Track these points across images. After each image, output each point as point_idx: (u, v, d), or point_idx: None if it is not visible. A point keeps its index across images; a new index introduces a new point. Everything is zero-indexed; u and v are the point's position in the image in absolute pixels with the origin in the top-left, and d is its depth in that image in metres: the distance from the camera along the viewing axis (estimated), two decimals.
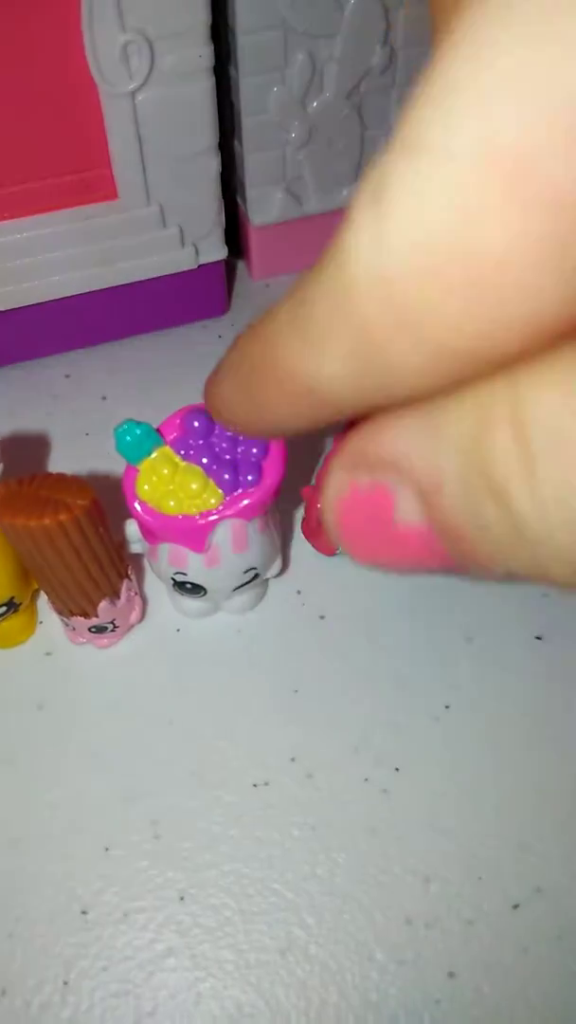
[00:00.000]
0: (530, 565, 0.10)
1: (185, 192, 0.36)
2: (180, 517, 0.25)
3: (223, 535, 0.26)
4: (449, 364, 0.09)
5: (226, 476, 0.25)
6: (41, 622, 0.32)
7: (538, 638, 0.32)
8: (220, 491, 0.25)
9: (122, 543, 0.29)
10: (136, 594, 0.31)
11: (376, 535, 0.12)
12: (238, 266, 0.45)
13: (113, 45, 0.31)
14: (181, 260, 0.37)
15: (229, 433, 0.26)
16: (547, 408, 0.09)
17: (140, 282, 0.38)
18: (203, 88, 0.33)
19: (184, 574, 0.27)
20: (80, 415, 0.38)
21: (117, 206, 0.35)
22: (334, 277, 0.10)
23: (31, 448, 0.37)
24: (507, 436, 0.09)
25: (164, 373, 0.40)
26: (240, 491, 0.25)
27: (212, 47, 0.32)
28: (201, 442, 0.26)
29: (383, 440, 0.12)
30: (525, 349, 0.09)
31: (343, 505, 0.13)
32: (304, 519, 0.33)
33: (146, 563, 0.33)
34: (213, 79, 0.33)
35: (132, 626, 0.31)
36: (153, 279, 0.38)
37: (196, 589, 0.28)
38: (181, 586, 0.28)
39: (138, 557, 0.32)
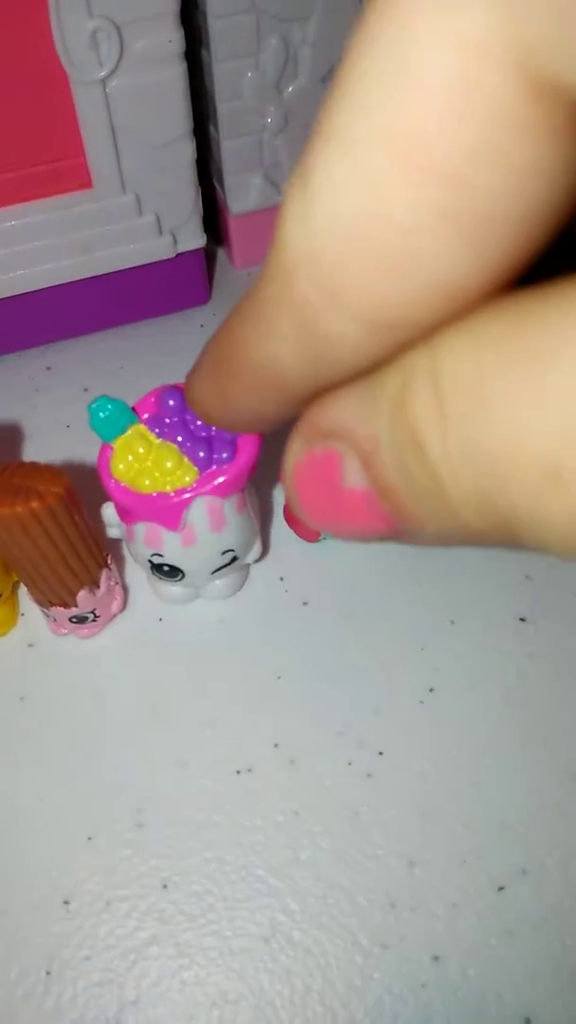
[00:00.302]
0: (447, 515, 0.10)
1: (161, 180, 0.35)
2: (155, 495, 0.25)
3: (198, 513, 0.26)
4: (380, 335, 0.10)
5: (201, 454, 0.25)
6: (23, 614, 0.32)
7: (522, 620, 0.31)
8: (195, 468, 0.25)
9: (100, 532, 0.29)
10: (117, 583, 0.31)
11: (327, 500, 0.13)
12: (220, 255, 0.44)
13: (81, 32, 0.30)
14: (159, 249, 0.37)
15: None
16: (456, 357, 0.09)
17: (119, 272, 0.38)
18: (175, 74, 0.33)
19: (161, 555, 0.27)
20: (61, 407, 0.38)
21: (92, 195, 0.35)
22: (276, 262, 0.11)
23: (11, 440, 0.37)
24: (426, 388, 0.10)
25: (146, 363, 0.40)
26: (215, 468, 0.25)
27: (183, 32, 0.32)
28: (176, 420, 0.25)
29: (330, 410, 0.12)
30: (444, 317, 0.10)
31: (299, 472, 0.14)
32: (285, 505, 0.33)
33: (126, 551, 0.33)
34: (185, 65, 0.33)
35: (114, 616, 0.31)
36: (132, 268, 0.38)
37: (173, 572, 0.28)
38: (159, 569, 0.28)
39: (118, 546, 0.32)
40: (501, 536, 0.10)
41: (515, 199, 0.09)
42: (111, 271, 0.37)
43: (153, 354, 0.40)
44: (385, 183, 0.09)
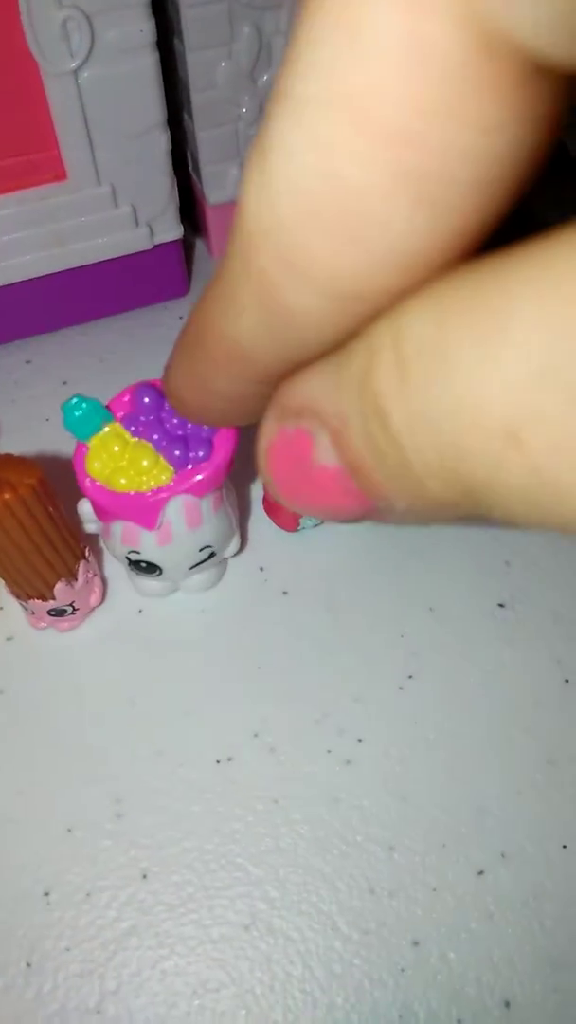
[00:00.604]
0: (413, 487, 0.10)
1: (136, 170, 0.35)
2: (131, 494, 0.25)
3: (175, 512, 0.26)
4: (342, 307, 0.10)
5: (176, 452, 0.25)
6: (1, 608, 0.32)
7: (500, 605, 0.31)
8: (171, 467, 0.25)
9: (77, 524, 0.29)
10: (95, 575, 0.30)
11: (300, 480, 0.13)
12: (199, 246, 0.44)
13: (51, 22, 0.30)
14: (136, 240, 0.37)
15: None
16: (417, 325, 0.09)
17: (97, 264, 0.38)
18: (147, 64, 0.33)
19: (138, 552, 0.27)
20: (40, 401, 0.38)
21: (67, 187, 0.34)
22: (237, 235, 0.10)
23: None
24: (388, 357, 0.10)
25: (126, 356, 0.40)
26: (191, 467, 0.25)
27: (153, 22, 0.32)
28: (151, 418, 0.25)
29: (300, 388, 0.12)
30: (407, 287, 0.10)
31: (271, 451, 0.13)
32: (264, 495, 0.33)
33: (104, 544, 0.32)
34: (157, 55, 0.33)
35: (93, 608, 0.31)
36: (110, 260, 0.38)
37: (151, 568, 0.28)
38: (136, 565, 0.28)
39: (96, 538, 0.32)
40: (468, 507, 0.10)
41: (469, 160, 0.09)
42: (88, 263, 0.37)
43: (132, 347, 0.40)
44: (338, 145, 0.09)
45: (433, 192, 0.09)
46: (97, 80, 0.32)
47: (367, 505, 0.12)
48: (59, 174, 0.34)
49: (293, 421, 0.12)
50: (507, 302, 0.08)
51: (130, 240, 0.37)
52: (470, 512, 0.10)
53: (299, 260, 0.10)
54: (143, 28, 0.32)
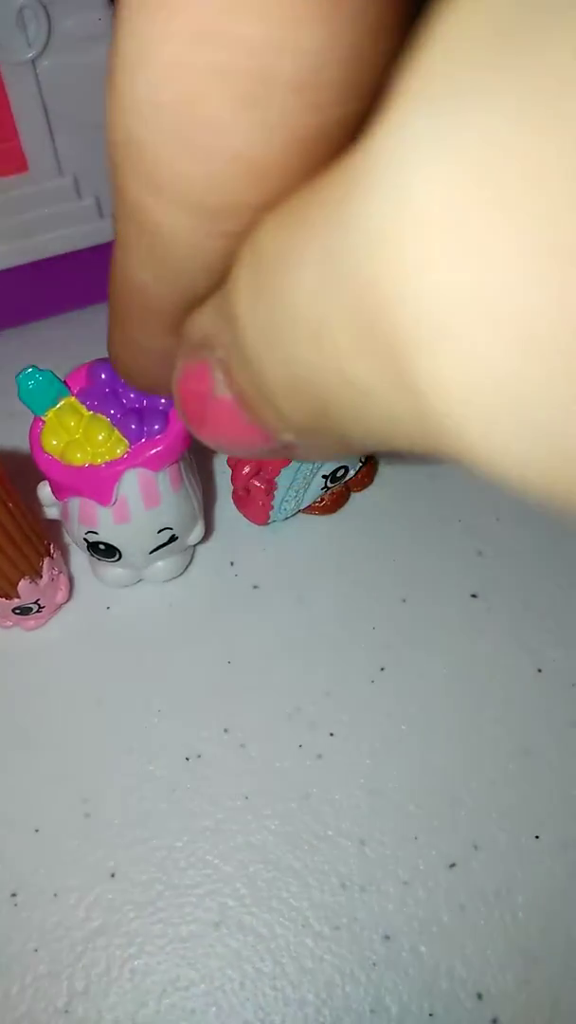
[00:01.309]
0: (278, 412, 0.10)
1: (99, 161, 0.35)
2: (85, 467, 0.25)
3: (131, 487, 0.25)
4: (209, 224, 0.10)
5: (132, 426, 0.25)
6: None
7: (473, 596, 0.31)
8: (127, 441, 0.25)
9: (41, 521, 0.28)
10: (61, 573, 0.30)
11: (205, 412, 0.13)
12: None
13: (7, 11, 0.30)
14: (100, 232, 0.37)
15: None
16: (267, 239, 0.09)
17: (62, 256, 0.37)
18: (107, 53, 0.32)
19: (95, 533, 0.27)
20: (6, 396, 0.37)
21: (28, 178, 0.34)
22: (109, 161, 0.10)
23: None
24: (246, 277, 0.09)
25: (93, 351, 0.39)
26: (145, 441, 0.25)
27: (113, 10, 0.31)
28: (107, 391, 0.25)
29: (199, 321, 0.12)
30: (268, 199, 0.09)
31: (180, 387, 0.13)
32: (233, 488, 0.33)
33: (69, 540, 0.32)
34: None
35: (59, 606, 0.31)
36: (75, 253, 0.37)
37: (110, 551, 0.28)
38: (95, 548, 0.28)
39: (60, 535, 0.32)
40: (331, 432, 0.10)
41: (284, 58, 0.08)
42: (52, 256, 0.37)
43: (100, 341, 0.39)
44: (155, 49, 0.09)
45: (257, 93, 0.09)
46: (56, 70, 0.32)
47: (266, 437, 0.12)
48: (20, 165, 0.34)
49: (195, 355, 0.12)
50: (313, 212, 0.08)
51: (95, 232, 0.36)
52: (334, 442, 0.10)
53: (153, 173, 0.10)
54: (101, 16, 0.31)
